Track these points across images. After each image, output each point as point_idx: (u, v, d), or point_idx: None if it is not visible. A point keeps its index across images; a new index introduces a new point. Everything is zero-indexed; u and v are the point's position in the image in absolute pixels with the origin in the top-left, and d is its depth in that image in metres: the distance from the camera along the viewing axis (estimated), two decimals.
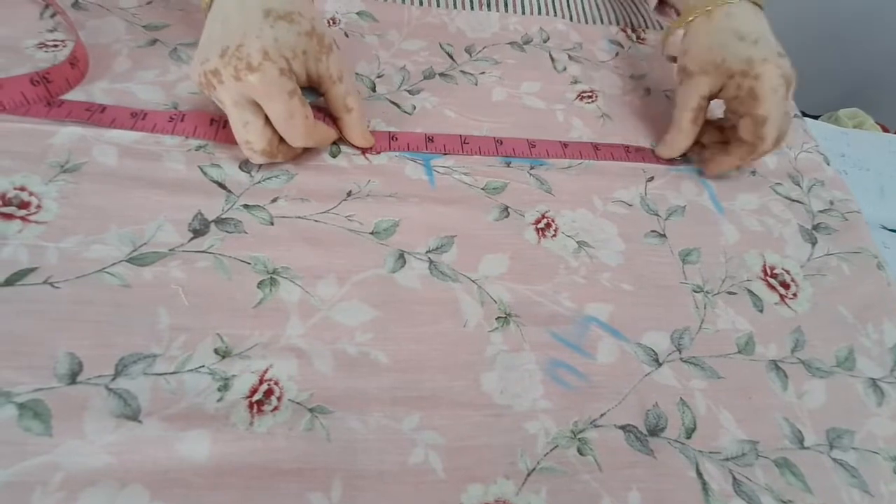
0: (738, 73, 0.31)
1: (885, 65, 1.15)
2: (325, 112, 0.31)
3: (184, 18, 0.36)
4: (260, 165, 0.30)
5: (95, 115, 0.29)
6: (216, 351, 0.23)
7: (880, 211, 0.72)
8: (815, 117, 0.99)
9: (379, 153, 0.32)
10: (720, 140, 0.35)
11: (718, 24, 0.32)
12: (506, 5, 0.44)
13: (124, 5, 0.36)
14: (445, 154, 0.33)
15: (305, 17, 0.27)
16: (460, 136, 0.33)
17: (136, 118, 0.29)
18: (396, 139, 0.32)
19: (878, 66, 1.16)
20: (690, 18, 0.34)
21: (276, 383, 0.23)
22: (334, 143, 0.32)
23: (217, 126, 0.30)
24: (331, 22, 0.39)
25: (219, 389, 0.22)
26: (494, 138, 0.34)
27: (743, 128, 0.32)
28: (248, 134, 0.27)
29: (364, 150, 0.32)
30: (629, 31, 0.46)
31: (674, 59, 0.37)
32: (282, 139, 0.28)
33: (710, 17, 0.33)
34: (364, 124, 0.31)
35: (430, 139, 0.33)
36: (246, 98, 0.26)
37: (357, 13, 0.40)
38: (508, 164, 0.34)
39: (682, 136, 0.34)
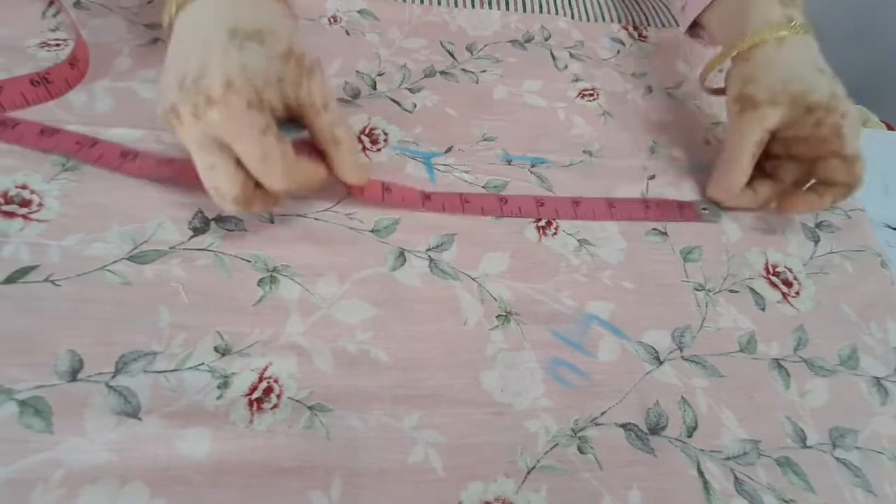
0: (822, 109, 0.28)
1: (889, 62, 1.15)
2: (310, 147, 0.26)
3: None
4: None
5: (84, 149, 0.27)
6: (216, 349, 0.23)
7: (884, 209, 0.71)
8: None
9: (373, 199, 0.28)
10: (773, 175, 0.32)
11: (795, 55, 0.30)
12: (507, 3, 0.44)
13: (126, 4, 0.36)
14: (447, 152, 0.33)
15: (280, 34, 0.23)
16: (460, 195, 0.30)
17: (126, 158, 0.27)
18: (390, 191, 0.29)
19: (882, 64, 1.15)
20: (749, 45, 0.30)
21: (275, 381, 0.23)
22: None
23: None
24: (331, 20, 0.39)
25: (219, 387, 0.22)
26: (498, 196, 0.31)
27: (831, 169, 0.29)
28: (216, 179, 0.23)
29: (356, 189, 0.28)
30: (631, 28, 0.46)
31: (717, 92, 0.34)
32: (258, 183, 0.24)
33: (783, 45, 0.30)
34: (356, 157, 0.27)
35: (426, 197, 0.29)
36: (210, 138, 0.22)
37: (358, 11, 0.40)
38: (509, 163, 0.34)
39: (740, 174, 0.30)
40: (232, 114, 0.21)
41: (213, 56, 0.21)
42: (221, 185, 0.23)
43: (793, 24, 0.30)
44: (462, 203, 0.30)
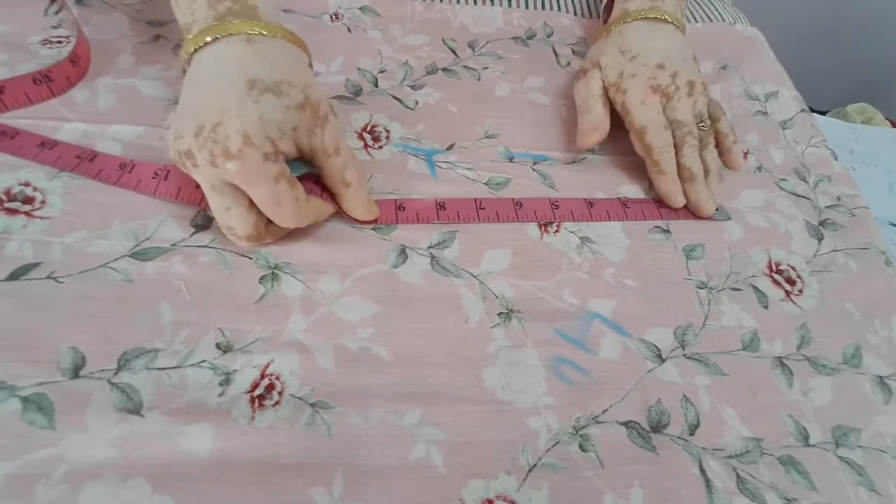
0: (612, 86, 0.33)
1: (894, 60, 1.14)
2: (320, 183, 0.26)
3: None
4: None
5: (84, 163, 0.27)
6: (218, 346, 0.23)
7: (889, 207, 0.71)
8: (824, 113, 0.98)
9: (386, 224, 0.28)
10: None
11: (610, 39, 0.35)
12: (509, 0, 0.44)
13: (127, 1, 0.36)
14: (449, 149, 0.33)
15: (297, 85, 0.23)
16: (474, 200, 0.30)
17: (124, 171, 0.27)
18: (404, 209, 0.29)
19: (888, 62, 1.14)
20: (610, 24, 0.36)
21: (277, 378, 0.23)
22: None
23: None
24: (333, 17, 0.39)
25: (220, 384, 0.22)
26: (513, 200, 0.30)
27: (634, 143, 0.33)
28: (230, 220, 0.24)
29: (368, 222, 0.28)
30: None
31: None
32: (269, 220, 0.25)
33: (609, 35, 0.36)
34: (366, 195, 0.27)
35: (441, 206, 0.29)
36: (225, 183, 0.23)
37: (360, 8, 0.40)
38: (511, 160, 0.34)
39: (593, 116, 0.33)
40: (248, 167, 0.22)
41: (230, 106, 0.22)
42: (235, 225, 0.24)
43: (642, 11, 0.35)
44: (477, 210, 0.30)
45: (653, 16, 0.35)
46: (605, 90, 0.34)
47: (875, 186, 0.78)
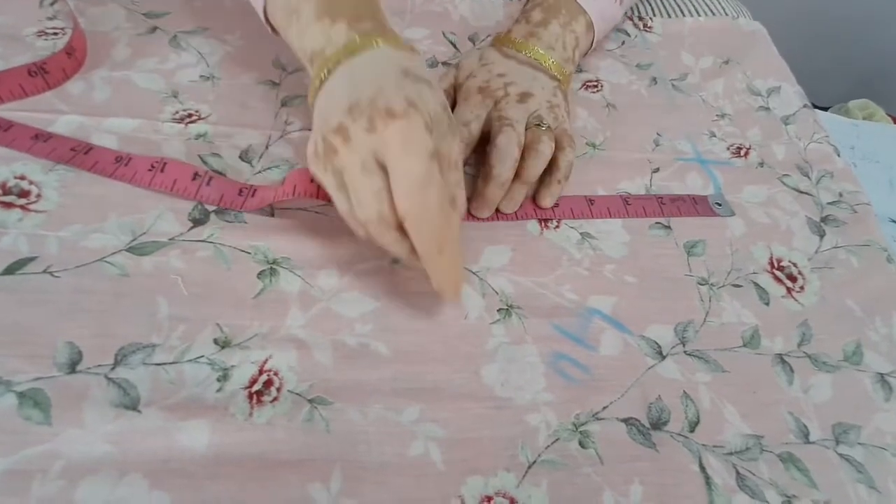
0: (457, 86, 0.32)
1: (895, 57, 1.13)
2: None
3: (184, 6, 0.36)
4: (261, 155, 0.30)
5: (79, 155, 0.27)
6: (216, 341, 0.23)
7: (889, 204, 0.71)
8: (825, 109, 0.98)
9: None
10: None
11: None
12: None
13: None
14: None
15: (440, 90, 0.23)
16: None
17: (119, 164, 0.27)
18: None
19: (890, 58, 1.14)
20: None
21: (275, 374, 0.23)
22: None
23: (200, 183, 0.27)
24: None
25: (218, 380, 0.22)
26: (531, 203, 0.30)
27: None
28: (384, 203, 0.21)
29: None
30: (636, 19, 0.45)
31: None
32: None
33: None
34: (459, 228, 0.23)
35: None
36: (376, 157, 0.21)
37: None
38: None
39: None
40: (412, 128, 0.20)
41: (388, 84, 0.21)
42: (389, 209, 0.21)
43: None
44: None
45: (517, 54, 0.32)
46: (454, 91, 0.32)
47: (876, 183, 0.78)
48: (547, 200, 0.30)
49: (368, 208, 0.22)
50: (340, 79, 0.23)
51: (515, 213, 0.30)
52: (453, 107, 0.32)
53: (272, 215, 0.27)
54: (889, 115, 0.95)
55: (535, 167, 0.28)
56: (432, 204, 0.21)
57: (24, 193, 0.26)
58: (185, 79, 0.32)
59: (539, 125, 0.29)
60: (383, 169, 0.21)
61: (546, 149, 0.28)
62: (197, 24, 0.35)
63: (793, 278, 0.31)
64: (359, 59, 0.23)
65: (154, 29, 0.34)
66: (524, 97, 0.30)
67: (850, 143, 0.83)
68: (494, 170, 0.28)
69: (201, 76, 0.33)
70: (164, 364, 0.22)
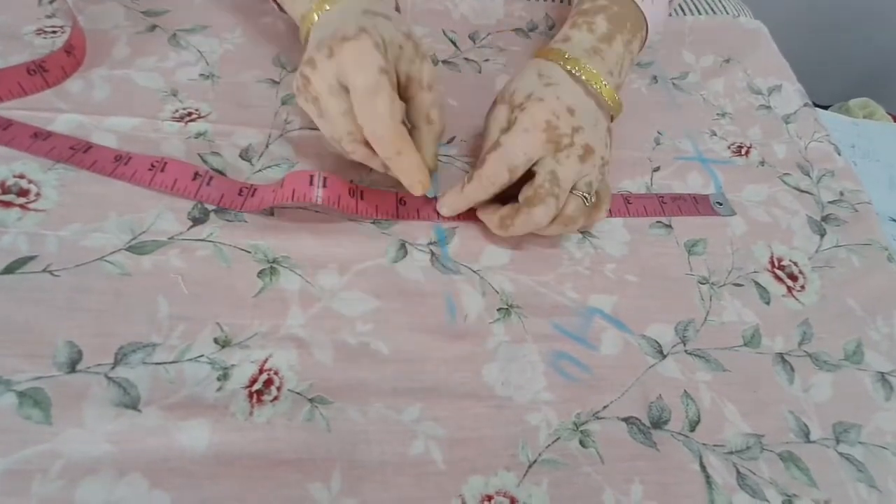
0: (517, 107, 0.27)
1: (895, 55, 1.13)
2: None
3: (183, 4, 0.36)
4: (260, 154, 0.30)
5: (78, 154, 0.27)
6: (216, 340, 0.23)
7: (890, 202, 0.71)
8: (826, 107, 0.98)
9: (386, 218, 0.28)
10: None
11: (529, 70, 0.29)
12: None
13: None
14: (450, 143, 0.33)
15: (403, 22, 0.27)
16: None
17: (119, 163, 0.27)
18: (405, 203, 0.29)
19: (889, 56, 1.14)
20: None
21: (275, 373, 0.23)
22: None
23: (201, 183, 0.27)
24: None
25: (218, 379, 0.22)
26: None
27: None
28: (349, 124, 0.24)
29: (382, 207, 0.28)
30: None
31: None
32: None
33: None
34: (437, 145, 0.27)
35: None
36: (339, 81, 0.24)
37: None
38: None
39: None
40: (361, 47, 0.24)
41: (348, 20, 0.25)
42: (353, 128, 0.25)
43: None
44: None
45: (581, 77, 0.28)
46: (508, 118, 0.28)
47: (876, 181, 0.78)
48: (550, 231, 0.28)
49: (339, 127, 0.25)
50: (315, 29, 0.27)
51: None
52: (504, 124, 0.28)
53: (272, 214, 0.27)
54: (889, 114, 0.95)
55: (554, 230, 0.27)
56: (382, 111, 0.24)
57: (23, 192, 0.26)
58: (184, 77, 0.32)
59: (585, 196, 0.27)
60: (347, 90, 0.24)
61: (575, 226, 0.28)
62: (196, 22, 0.35)
63: (793, 277, 0.31)
64: (332, 9, 0.27)
65: (153, 27, 0.34)
66: (587, 153, 0.27)
67: (850, 142, 0.83)
68: (513, 223, 0.26)
69: (201, 74, 0.33)
70: (164, 363, 0.22)
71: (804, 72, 0.45)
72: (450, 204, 0.28)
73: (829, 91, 1.07)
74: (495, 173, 0.26)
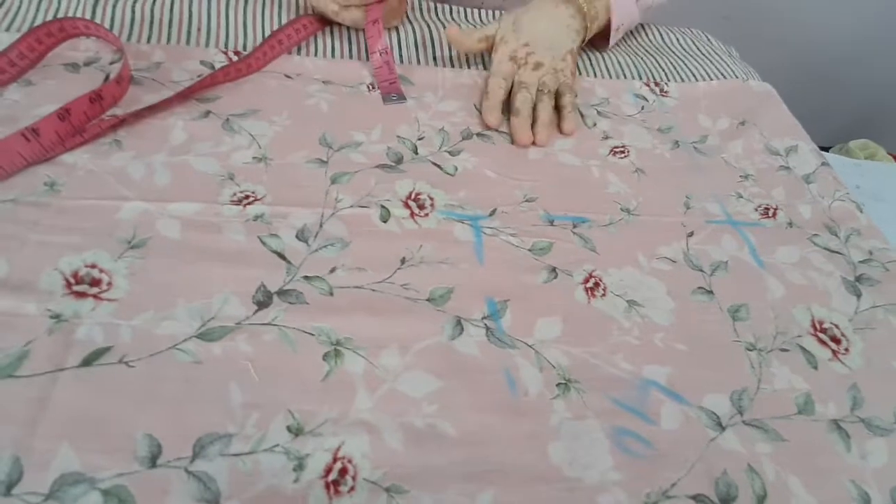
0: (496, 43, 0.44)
1: (890, 95, 1.18)
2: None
3: (233, 90, 0.38)
4: (316, 234, 0.31)
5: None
6: (289, 428, 0.23)
7: None
8: (826, 149, 1.01)
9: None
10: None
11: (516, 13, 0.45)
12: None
13: (177, 79, 0.38)
14: (492, 214, 0.34)
15: None
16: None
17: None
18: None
19: (884, 96, 1.18)
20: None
21: (349, 461, 0.23)
22: (383, 206, 0.33)
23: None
24: (370, 87, 0.41)
25: (294, 469, 0.22)
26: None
27: None
28: None
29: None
30: (652, 84, 0.48)
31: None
32: None
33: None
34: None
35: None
36: None
37: None
38: (552, 223, 0.35)
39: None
40: None
41: None
42: None
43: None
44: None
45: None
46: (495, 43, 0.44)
47: (884, 222, 0.80)
48: (566, 125, 0.41)
49: None
50: None
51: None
52: (491, 49, 0.44)
53: (331, 294, 0.28)
54: (890, 154, 0.98)
55: (544, 111, 0.41)
56: None
57: (95, 282, 0.27)
58: (239, 161, 0.34)
59: (541, 90, 0.41)
60: None
61: (545, 108, 0.41)
62: (247, 106, 0.37)
63: (836, 340, 0.31)
64: None
65: (207, 113, 0.36)
66: (538, 66, 0.42)
67: (854, 183, 0.85)
68: (516, 113, 0.40)
69: (254, 157, 0.34)
70: (241, 455, 0.22)
71: (800, 115, 0.47)
72: (491, 112, 0.40)
73: (827, 133, 1.11)
74: (495, 85, 0.41)
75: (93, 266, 0.27)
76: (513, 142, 0.40)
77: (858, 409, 0.29)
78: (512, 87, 0.42)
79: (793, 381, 0.29)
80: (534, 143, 0.40)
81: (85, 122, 0.33)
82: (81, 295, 0.26)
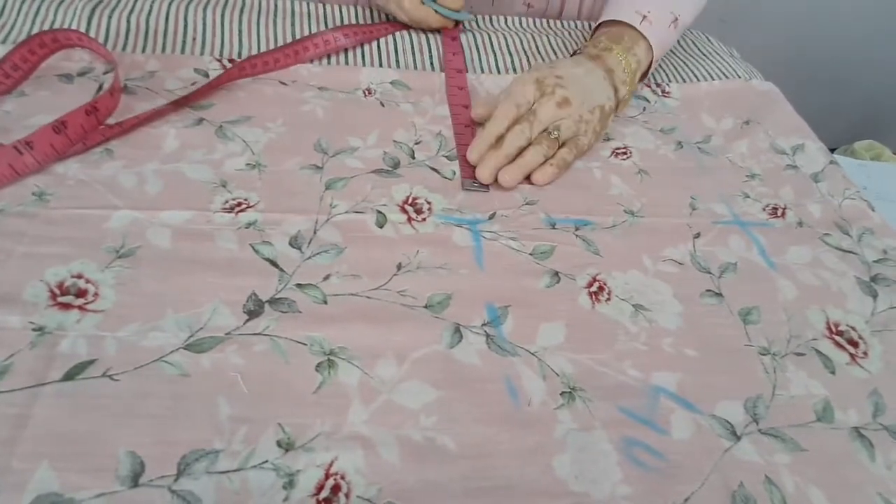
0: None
1: (894, 95, 1.17)
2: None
3: (227, 97, 0.38)
4: (310, 241, 0.30)
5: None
6: (279, 443, 0.22)
7: None
8: (831, 150, 1.00)
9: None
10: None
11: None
12: (529, 65, 0.45)
13: (171, 87, 0.37)
14: (491, 218, 0.33)
15: None
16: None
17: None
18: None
19: (889, 97, 1.17)
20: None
21: (342, 478, 0.22)
22: (379, 211, 0.32)
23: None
24: (366, 92, 0.40)
25: (284, 487, 0.21)
26: None
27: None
28: None
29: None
30: (653, 85, 0.47)
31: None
32: None
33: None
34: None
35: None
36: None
37: (391, 82, 0.42)
38: (553, 226, 0.34)
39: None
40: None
41: None
42: None
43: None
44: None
45: (594, 53, 0.41)
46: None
47: (892, 224, 0.78)
48: (537, 177, 0.35)
49: None
50: None
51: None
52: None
53: (325, 303, 0.27)
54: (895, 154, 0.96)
55: (532, 156, 0.35)
56: None
57: (81, 293, 0.26)
58: (232, 168, 0.33)
59: (549, 134, 0.36)
60: None
61: (535, 156, 0.35)
62: (240, 113, 0.37)
63: (854, 343, 0.30)
64: None
65: (201, 120, 0.36)
66: (564, 103, 0.36)
67: (861, 184, 0.84)
68: (498, 136, 0.36)
69: (247, 164, 0.34)
70: (228, 472, 0.21)
71: (805, 116, 0.46)
72: (476, 147, 0.35)
73: (831, 135, 1.09)
74: (502, 114, 0.36)
75: (79, 276, 0.26)
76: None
77: (881, 415, 0.27)
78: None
79: (810, 386, 0.28)
80: (495, 182, 0.35)
81: (82, 136, 0.32)
82: (66, 306, 0.25)
